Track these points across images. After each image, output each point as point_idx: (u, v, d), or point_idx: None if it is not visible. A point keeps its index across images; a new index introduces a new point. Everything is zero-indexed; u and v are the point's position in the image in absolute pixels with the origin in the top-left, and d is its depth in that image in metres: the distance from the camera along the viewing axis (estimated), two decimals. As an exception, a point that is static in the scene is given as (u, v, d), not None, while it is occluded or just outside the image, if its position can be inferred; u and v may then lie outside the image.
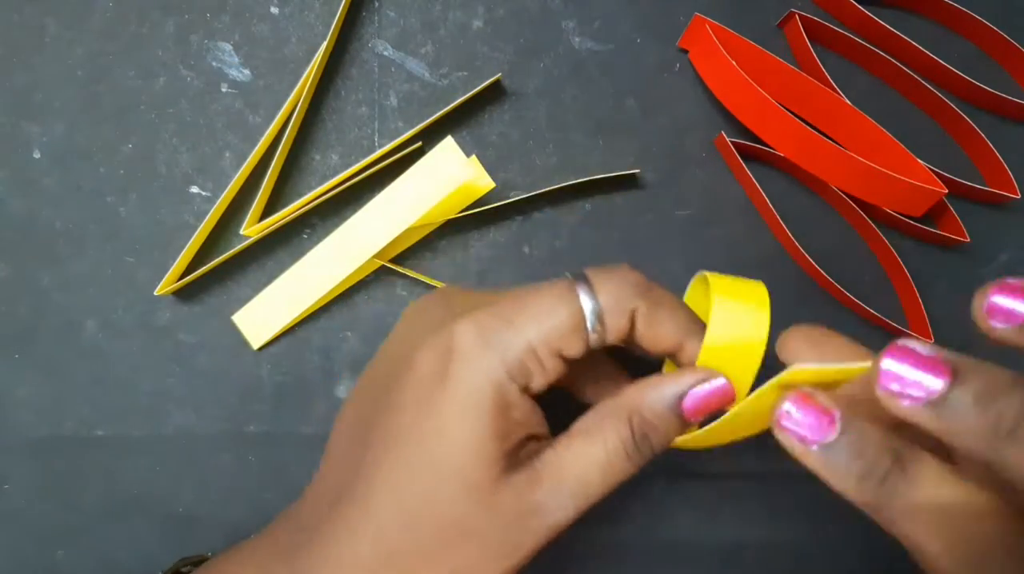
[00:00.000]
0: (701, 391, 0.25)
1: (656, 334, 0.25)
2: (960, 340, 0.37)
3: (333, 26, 0.34)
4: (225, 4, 0.35)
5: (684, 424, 0.25)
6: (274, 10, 0.35)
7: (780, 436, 0.22)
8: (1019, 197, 0.35)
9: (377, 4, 0.35)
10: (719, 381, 0.25)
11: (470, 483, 0.24)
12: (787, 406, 0.22)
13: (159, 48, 0.35)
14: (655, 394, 0.25)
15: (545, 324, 0.24)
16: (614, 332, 0.25)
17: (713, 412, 0.25)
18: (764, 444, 0.37)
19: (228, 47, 0.35)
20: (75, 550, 0.36)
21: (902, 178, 0.33)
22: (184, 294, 0.35)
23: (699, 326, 0.26)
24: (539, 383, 0.25)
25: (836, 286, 0.35)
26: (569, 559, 0.37)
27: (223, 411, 0.36)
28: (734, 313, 0.24)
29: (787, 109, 0.33)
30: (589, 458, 0.24)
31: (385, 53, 0.36)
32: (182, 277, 0.34)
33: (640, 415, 0.25)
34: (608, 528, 0.37)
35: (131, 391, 0.35)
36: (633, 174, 0.36)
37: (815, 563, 0.37)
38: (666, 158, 0.36)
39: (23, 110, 0.35)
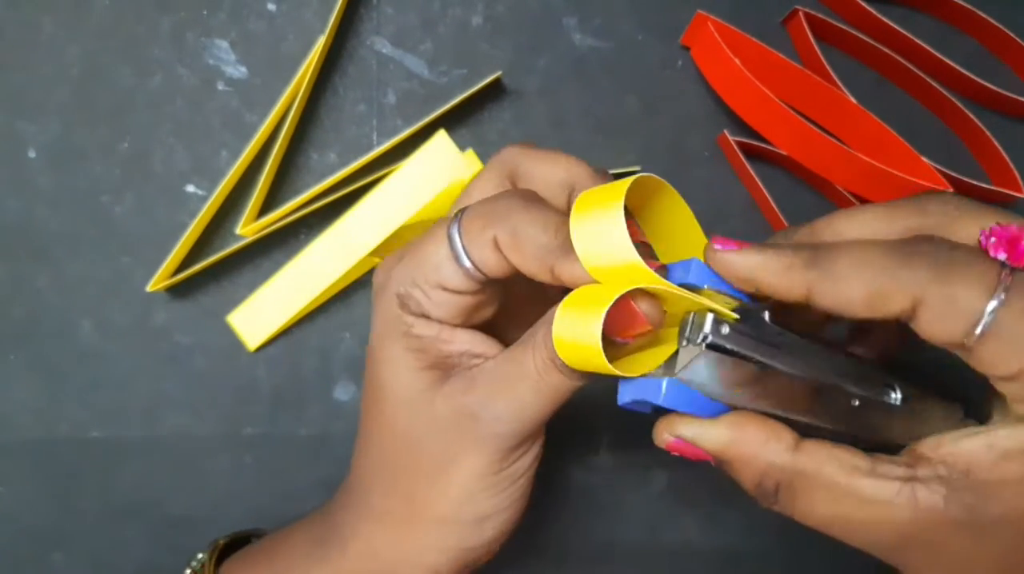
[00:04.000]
0: (618, 310, 0.23)
1: (521, 261, 0.24)
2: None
3: (331, 23, 0.33)
4: (222, 1, 0.35)
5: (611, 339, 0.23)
6: (271, 7, 0.35)
7: None
8: (1025, 196, 0.35)
9: (375, 1, 0.35)
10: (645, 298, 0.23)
11: (402, 394, 0.26)
12: None
13: (155, 46, 0.34)
14: None
15: (419, 257, 0.25)
16: (484, 262, 0.24)
17: (638, 330, 0.23)
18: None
19: (225, 44, 0.35)
20: (71, 552, 0.35)
21: (907, 177, 0.32)
22: (179, 294, 0.35)
23: (566, 249, 0.23)
24: (439, 312, 0.25)
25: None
26: (569, 561, 0.37)
27: (219, 413, 0.35)
28: (589, 231, 0.22)
29: (791, 107, 0.33)
30: (520, 372, 0.24)
31: (384, 50, 0.35)
32: (176, 274, 0.34)
33: None
34: (608, 530, 0.37)
35: (127, 393, 0.35)
36: (634, 171, 0.35)
37: (815, 568, 0.37)
38: (668, 156, 0.36)
39: (18, 109, 0.34)
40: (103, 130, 0.34)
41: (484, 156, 0.35)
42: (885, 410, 0.25)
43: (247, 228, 0.33)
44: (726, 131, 0.35)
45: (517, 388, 0.25)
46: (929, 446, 0.23)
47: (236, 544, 0.32)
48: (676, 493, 0.37)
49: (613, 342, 0.23)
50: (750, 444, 0.23)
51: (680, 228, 0.25)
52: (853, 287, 0.21)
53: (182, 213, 0.35)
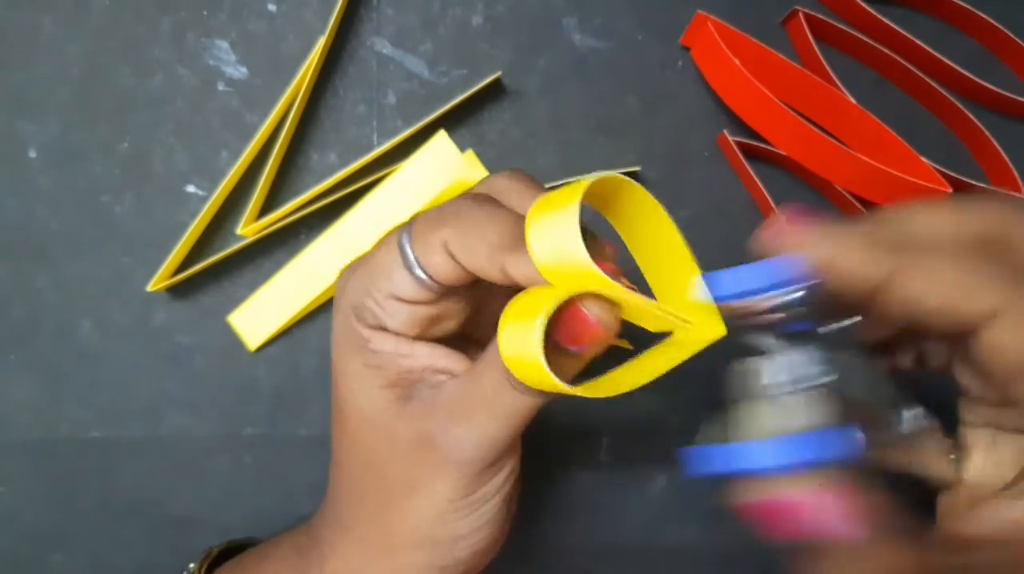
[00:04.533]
0: (565, 315, 0.21)
1: (472, 262, 0.22)
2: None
3: (331, 23, 0.33)
4: (222, 2, 0.35)
5: (564, 350, 0.22)
6: (271, 7, 0.35)
7: None
8: (1025, 196, 0.35)
9: (376, 1, 0.35)
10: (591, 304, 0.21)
11: (364, 413, 0.25)
12: None
13: (155, 46, 0.34)
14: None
15: (371, 267, 0.24)
16: (435, 268, 0.23)
17: (589, 337, 0.21)
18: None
19: (225, 45, 0.35)
20: (71, 552, 0.35)
21: (906, 177, 0.32)
22: (180, 294, 0.35)
23: (517, 246, 0.21)
24: (395, 324, 0.24)
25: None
26: (569, 561, 0.37)
27: (219, 413, 0.35)
28: (546, 230, 0.20)
29: (790, 107, 0.33)
30: (476, 395, 0.23)
31: (384, 51, 0.35)
32: (176, 274, 0.34)
33: None
34: (608, 530, 0.37)
35: (127, 393, 0.35)
36: (634, 171, 0.35)
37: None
38: (668, 157, 0.36)
39: (18, 109, 0.34)
40: (103, 130, 0.34)
41: (484, 156, 0.35)
42: (921, 433, 0.24)
43: (247, 228, 0.33)
44: (726, 131, 0.35)
45: (475, 412, 0.23)
46: (975, 520, 0.22)
47: (231, 551, 0.31)
48: (676, 493, 0.37)
49: (566, 352, 0.21)
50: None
51: (659, 233, 0.23)
52: (938, 281, 0.20)
53: (182, 213, 0.35)
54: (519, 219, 0.22)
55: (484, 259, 0.22)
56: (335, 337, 0.25)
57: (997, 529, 0.22)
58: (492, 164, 0.35)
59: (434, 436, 0.24)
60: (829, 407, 0.21)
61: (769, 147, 0.35)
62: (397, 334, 0.24)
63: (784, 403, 0.20)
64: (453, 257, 0.22)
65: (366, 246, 0.33)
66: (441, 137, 0.33)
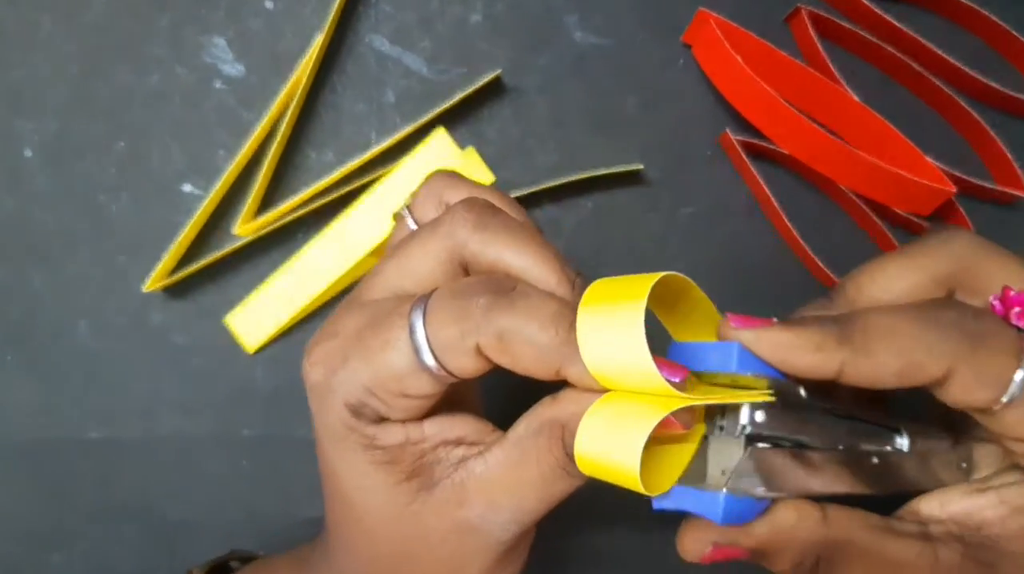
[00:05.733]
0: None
1: (516, 364, 0.20)
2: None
3: (329, 20, 0.33)
4: (219, -1, 0.34)
5: None
6: (269, 5, 0.35)
7: None
8: (1030, 196, 0.34)
9: (374, -1, 0.35)
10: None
11: (384, 513, 0.22)
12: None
13: (152, 44, 0.34)
14: (583, 404, 0.21)
15: (375, 365, 0.21)
16: (464, 371, 0.21)
17: (665, 439, 0.22)
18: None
19: (222, 42, 0.34)
20: (68, 553, 0.35)
21: (910, 176, 0.32)
22: (176, 295, 0.35)
23: (571, 346, 0.20)
24: (397, 415, 0.22)
25: (843, 287, 0.35)
26: (569, 562, 0.36)
27: (216, 414, 0.35)
28: (602, 328, 0.19)
29: (793, 106, 0.33)
30: (523, 479, 0.22)
31: (382, 48, 0.35)
32: (172, 274, 0.33)
33: (571, 430, 0.21)
34: (608, 530, 0.36)
35: (123, 393, 0.35)
36: (637, 169, 0.35)
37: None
38: (669, 156, 0.36)
39: (15, 107, 0.34)
40: (100, 129, 0.34)
41: (483, 154, 0.35)
42: (898, 459, 0.25)
43: (244, 227, 0.33)
44: (728, 130, 0.35)
45: (519, 495, 0.22)
46: (937, 503, 0.24)
47: (218, 569, 0.31)
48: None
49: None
50: (783, 530, 0.22)
51: (697, 315, 0.22)
52: (887, 362, 0.21)
53: (179, 212, 0.34)
54: (561, 307, 0.20)
55: (533, 362, 0.20)
56: (324, 433, 0.23)
57: (949, 515, 0.24)
58: (492, 162, 0.35)
59: (473, 523, 0.22)
60: (773, 459, 0.22)
61: (772, 146, 0.34)
62: (404, 422, 0.22)
63: (745, 455, 0.21)
64: (484, 357, 0.21)
65: (365, 246, 0.33)
66: (440, 135, 0.32)
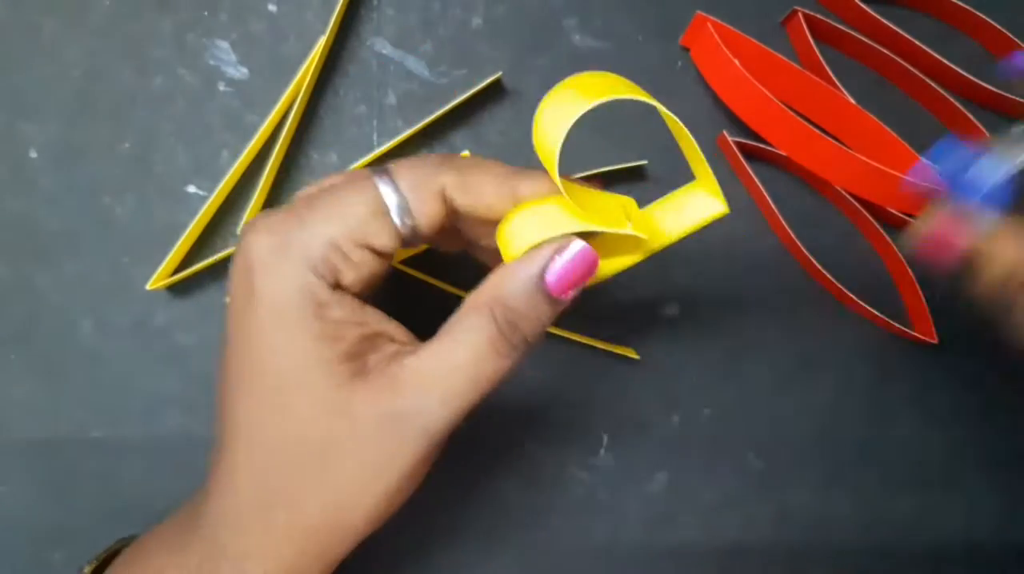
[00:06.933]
0: (560, 262, 0.23)
1: (477, 198, 0.23)
2: (965, 339, 0.37)
3: (331, 24, 0.33)
4: (222, 2, 0.35)
5: (555, 303, 0.23)
6: (272, 8, 0.35)
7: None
8: None
9: (376, 2, 0.35)
10: (576, 245, 0.23)
11: (317, 394, 0.22)
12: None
13: (156, 47, 0.35)
14: (513, 279, 0.23)
15: (342, 217, 0.22)
16: (426, 215, 0.23)
17: (582, 282, 0.23)
18: (768, 445, 0.37)
19: (225, 45, 0.35)
20: (72, 552, 0.35)
21: (906, 178, 0.32)
22: (180, 294, 0.35)
23: (521, 172, 0.24)
24: (351, 278, 0.23)
25: (838, 286, 0.35)
26: (569, 561, 0.37)
27: (220, 413, 0.35)
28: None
29: (790, 108, 0.33)
30: (455, 361, 0.23)
31: (384, 51, 0.35)
32: (176, 273, 0.34)
33: (503, 305, 0.23)
34: (608, 530, 0.37)
35: (127, 392, 0.35)
36: (640, 166, 0.35)
37: (817, 567, 0.37)
38: (667, 158, 0.36)
39: (19, 109, 0.34)
40: (104, 130, 0.35)
41: (485, 156, 0.35)
42: None
43: (248, 228, 0.33)
44: (725, 132, 0.35)
45: (453, 382, 0.23)
46: None
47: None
48: (676, 493, 0.37)
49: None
50: (1008, 236, 0.24)
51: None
52: None
53: (183, 214, 0.35)
54: (502, 163, 0.23)
55: (491, 191, 0.23)
56: (264, 311, 0.22)
57: None
58: (492, 164, 0.35)
59: (404, 412, 0.23)
60: None
61: (768, 147, 0.35)
62: (354, 297, 0.23)
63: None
64: (445, 204, 0.23)
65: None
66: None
